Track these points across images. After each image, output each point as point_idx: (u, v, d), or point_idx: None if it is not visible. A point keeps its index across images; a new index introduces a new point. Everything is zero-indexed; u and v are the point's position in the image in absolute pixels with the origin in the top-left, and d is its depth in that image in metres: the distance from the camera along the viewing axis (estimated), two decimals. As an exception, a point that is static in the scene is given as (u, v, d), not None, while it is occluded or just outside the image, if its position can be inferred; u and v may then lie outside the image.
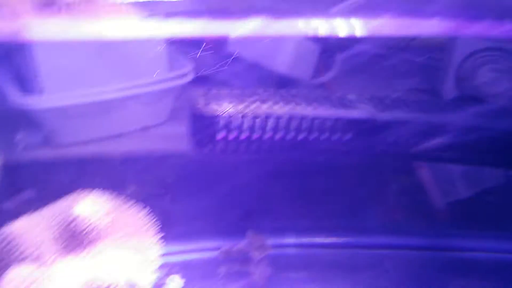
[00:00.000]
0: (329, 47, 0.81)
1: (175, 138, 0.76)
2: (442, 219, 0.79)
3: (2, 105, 0.68)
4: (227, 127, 0.60)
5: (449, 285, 0.71)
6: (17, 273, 0.42)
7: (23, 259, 0.44)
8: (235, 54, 0.76)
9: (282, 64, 0.78)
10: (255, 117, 0.60)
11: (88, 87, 0.70)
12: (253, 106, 0.61)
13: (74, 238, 0.46)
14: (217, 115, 0.60)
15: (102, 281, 0.43)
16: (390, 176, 0.78)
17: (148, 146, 0.76)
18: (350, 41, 0.79)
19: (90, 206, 0.46)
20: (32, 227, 0.46)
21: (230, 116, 0.60)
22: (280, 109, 0.61)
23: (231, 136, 0.60)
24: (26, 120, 0.70)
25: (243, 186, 0.72)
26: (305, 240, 0.76)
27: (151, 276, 0.49)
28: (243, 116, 0.60)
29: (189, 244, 0.71)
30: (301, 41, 0.79)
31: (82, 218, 0.46)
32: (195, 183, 0.73)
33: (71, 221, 0.46)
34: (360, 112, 0.64)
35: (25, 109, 0.69)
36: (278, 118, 0.61)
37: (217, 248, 0.72)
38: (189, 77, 0.75)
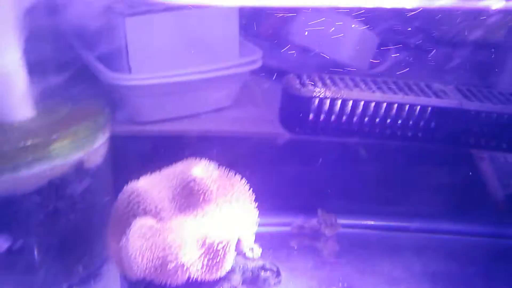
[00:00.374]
0: (386, 38, 0.83)
1: (247, 120, 0.80)
2: (502, 209, 0.81)
3: (96, 82, 0.73)
4: (318, 109, 0.62)
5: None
6: (141, 225, 0.47)
7: (145, 213, 0.49)
8: (298, 43, 0.80)
9: (342, 53, 0.81)
10: (344, 101, 0.62)
11: (170, 68, 0.74)
12: (343, 90, 0.63)
13: (190, 198, 0.50)
14: (309, 97, 0.62)
15: (214, 238, 0.47)
16: (457, 166, 0.80)
17: (221, 127, 0.80)
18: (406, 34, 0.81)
19: (204, 170, 0.51)
20: (153, 186, 0.50)
21: (321, 99, 0.62)
22: (369, 95, 0.63)
23: (321, 118, 0.62)
24: (115, 97, 0.74)
25: (318, 167, 0.75)
26: (372, 222, 0.79)
27: (251, 238, 0.53)
28: (333, 100, 0.62)
29: (263, 218, 0.74)
30: (362, 32, 0.81)
31: (197, 180, 0.50)
32: (272, 162, 0.77)
33: (188, 182, 0.50)
34: (449, 101, 0.64)
35: (115, 87, 0.73)
36: (366, 103, 0.62)
37: (290, 224, 0.76)
38: (259, 64, 0.79)
